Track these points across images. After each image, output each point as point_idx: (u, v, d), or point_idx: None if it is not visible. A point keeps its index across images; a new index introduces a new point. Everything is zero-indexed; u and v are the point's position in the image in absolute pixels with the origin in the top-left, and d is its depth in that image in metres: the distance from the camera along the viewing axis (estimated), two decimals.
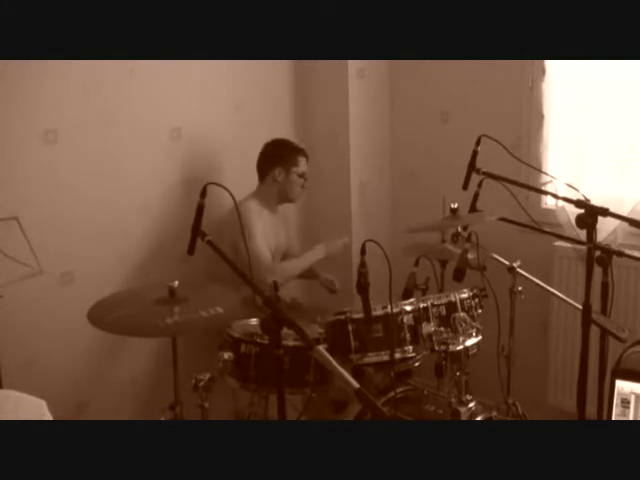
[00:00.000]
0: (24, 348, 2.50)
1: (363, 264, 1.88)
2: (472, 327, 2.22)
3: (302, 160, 2.90)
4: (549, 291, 2.42)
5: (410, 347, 2.18)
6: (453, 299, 2.25)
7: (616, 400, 1.53)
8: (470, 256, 2.38)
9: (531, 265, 2.51)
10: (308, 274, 3.05)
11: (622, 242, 2.68)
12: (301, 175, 2.89)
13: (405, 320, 2.17)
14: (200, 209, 1.90)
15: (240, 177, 2.89)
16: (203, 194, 1.90)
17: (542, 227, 2.55)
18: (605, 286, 2.05)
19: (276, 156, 2.88)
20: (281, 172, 2.86)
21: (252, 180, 2.90)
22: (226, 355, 2.19)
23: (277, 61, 3.23)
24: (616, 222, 2.60)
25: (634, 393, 1.52)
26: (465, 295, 2.27)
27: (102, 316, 1.84)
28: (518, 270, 2.42)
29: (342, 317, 2.17)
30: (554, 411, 2.98)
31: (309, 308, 3.02)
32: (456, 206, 2.47)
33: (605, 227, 2.60)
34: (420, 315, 2.19)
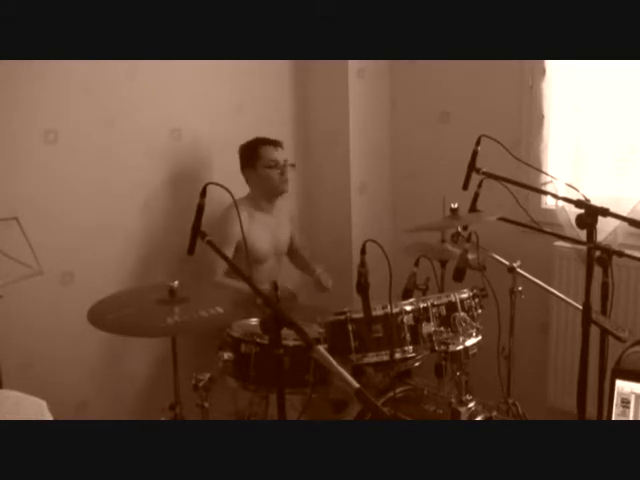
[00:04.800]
0: (24, 348, 2.50)
1: (363, 264, 1.88)
2: (472, 327, 2.21)
3: (266, 149, 2.83)
4: (549, 291, 2.42)
5: (410, 347, 2.18)
6: (453, 299, 2.24)
7: (616, 400, 1.53)
8: (470, 256, 2.38)
9: (531, 265, 2.51)
10: (305, 269, 3.09)
11: (622, 242, 2.68)
12: (270, 165, 2.82)
13: (405, 320, 2.17)
14: (200, 209, 1.90)
15: (240, 177, 2.89)
16: (203, 194, 1.90)
17: (542, 227, 2.55)
18: (605, 286, 2.05)
19: (241, 160, 2.89)
20: (250, 173, 2.87)
21: None
22: (226, 355, 2.19)
23: (277, 61, 3.23)
24: (616, 222, 2.60)
25: (634, 393, 1.52)
26: (465, 295, 2.27)
27: (102, 316, 1.84)
28: (518, 270, 2.42)
29: (342, 317, 2.17)
30: (554, 411, 2.98)
31: (309, 308, 3.02)
32: (456, 206, 2.47)
33: (605, 227, 2.60)
34: (420, 315, 2.18)
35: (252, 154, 2.85)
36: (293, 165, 2.93)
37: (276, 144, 2.87)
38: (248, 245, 2.58)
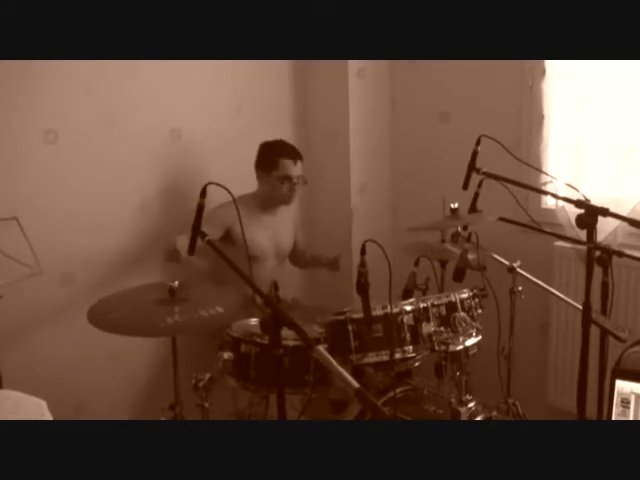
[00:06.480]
0: (24, 348, 2.51)
1: (363, 264, 1.88)
2: (472, 327, 2.21)
3: (285, 163, 2.80)
4: (549, 291, 2.42)
5: (410, 347, 2.18)
6: (453, 299, 2.24)
7: (616, 400, 1.53)
8: (470, 256, 2.38)
9: (531, 265, 2.51)
10: (311, 262, 3.09)
11: (622, 242, 2.68)
12: (283, 178, 2.80)
13: (405, 320, 2.17)
14: (200, 209, 1.90)
15: (240, 177, 2.88)
16: (203, 194, 1.90)
17: (542, 227, 2.55)
18: (605, 286, 2.04)
19: (258, 160, 2.87)
20: (262, 175, 2.85)
21: (252, 180, 2.90)
22: (226, 355, 2.19)
23: (277, 61, 3.23)
24: (616, 222, 2.60)
25: (634, 393, 1.52)
26: (465, 295, 2.27)
27: (102, 316, 1.85)
28: (518, 270, 2.42)
29: (342, 317, 2.16)
30: (554, 411, 2.98)
31: (309, 308, 3.02)
32: (456, 206, 2.47)
33: (605, 227, 2.60)
34: (420, 315, 2.18)
35: (271, 161, 2.82)
36: (305, 182, 2.89)
37: (296, 158, 2.82)
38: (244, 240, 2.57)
